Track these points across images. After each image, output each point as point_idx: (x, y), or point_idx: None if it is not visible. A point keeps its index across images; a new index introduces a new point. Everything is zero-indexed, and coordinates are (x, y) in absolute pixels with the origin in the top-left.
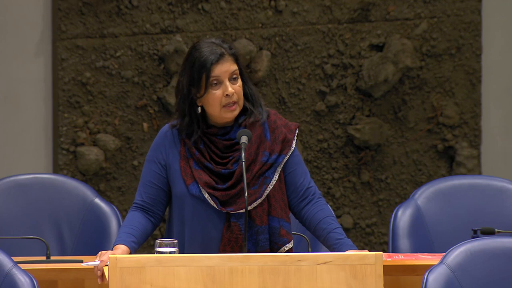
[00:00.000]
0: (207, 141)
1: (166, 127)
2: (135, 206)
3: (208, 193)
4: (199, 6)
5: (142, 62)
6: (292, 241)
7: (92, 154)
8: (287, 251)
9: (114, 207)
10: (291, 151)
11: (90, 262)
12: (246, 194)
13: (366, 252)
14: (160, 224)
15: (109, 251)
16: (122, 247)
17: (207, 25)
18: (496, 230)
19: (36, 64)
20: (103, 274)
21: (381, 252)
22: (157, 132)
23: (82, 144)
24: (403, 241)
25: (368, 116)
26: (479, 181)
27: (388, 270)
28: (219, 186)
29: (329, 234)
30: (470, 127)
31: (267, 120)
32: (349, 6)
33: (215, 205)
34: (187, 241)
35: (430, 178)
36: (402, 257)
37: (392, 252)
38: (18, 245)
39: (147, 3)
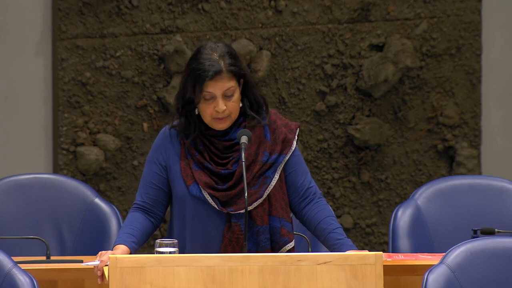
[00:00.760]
0: (207, 142)
1: (165, 128)
2: (136, 207)
3: (209, 194)
4: (199, 6)
5: (142, 62)
6: (293, 241)
7: (92, 154)
8: (288, 250)
9: (114, 207)
10: (291, 150)
11: (90, 262)
12: (246, 194)
13: (366, 252)
14: (160, 224)
15: (109, 251)
16: (122, 247)
17: (207, 25)
18: (496, 230)
19: (36, 64)
20: (103, 274)
21: (381, 252)
22: (157, 132)
23: (82, 144)
24: (403, 241)
25: (368, 116)
26: (479, 181)
27: (388, 270)
28: (219, 187)
29: (329, 234)
30: (470, 127)
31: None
32: (349, 6)
33: (215, 206)
34: (188, 242)
35: (430, 178)
36: (402, 257)
37: (392, 252)
38: (18, 245)
39: (147, 3)
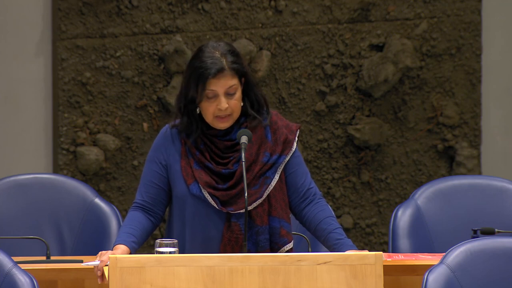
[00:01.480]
0: (208, 142)
1: (166, 127)
2: (135, 206)
3: (209, 193)
4: (199, 6)
5: (142, 62)
6: (292, 242)
7: (92, 154)
8: (287, 251)
9: (114, 207)
10: (292, 151)
11: (90, 262)
12: (246, 194)
13: (366, 252)
14: (160, 224)
15: (109, 251)
16: (122, 247)
17: (207, 25)
18: (496, 230)
19: (36, 64)
20: (103, 274)
21: (381, 252)
22: (157, 132)
23: (82, 144)
24: (403, 241)
25: (368, 116)
26: (479, 181)
27: (388, 270)
28: (220, 186)
29: (329, 234)
30: (470, 127)
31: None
32: (349, 6)
33: (215, 205)
34: (188, 241)
35: (430, 178)
36: (402, 257)
37: (392, 252)
38: (18, 245)
39: (147, 3)
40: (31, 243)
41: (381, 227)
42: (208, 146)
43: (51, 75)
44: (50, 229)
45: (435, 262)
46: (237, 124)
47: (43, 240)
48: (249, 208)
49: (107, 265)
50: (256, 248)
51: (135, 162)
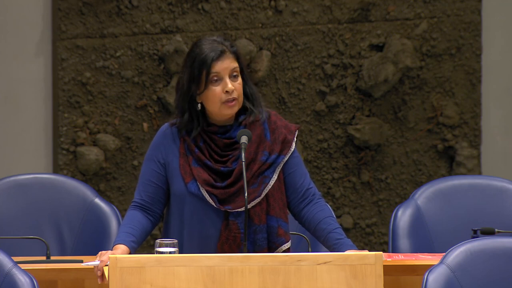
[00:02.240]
0: (207, 139)
1: (165, 125)
2: (134, 205)
3: (207, 191)
4: (199, 6)
5: (142, 62)
6: (289, 242)
7: (92, 154)
8: (284, 251)
9: (114, 207)
10: (290, 151)
11: (90, 262)
12: (246, 194)
13: (366, 252)
14: (159, 223)
15: (109, 251)
16: (122, 247)
17: (207, 25)
18: (496, 230)
19: (36, 64)
20: (103, 274)
21: (381, 252)
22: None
23: (82, 144)
24: (403, 241)
25: (368, 116)
26: (479, 181)
27: (388, 270)
28: (218, 184)
29: (329, 234)
30: (470, 127)
31: (267, 120)
32: (349, 6)
33: (213, 203)
34: (186, 239)
35: (430, 178)
36: (402, 257)
37: (392, 252)
38: (18, 245)
39: (147, 3)
40: (31, 243)
41: (381, 227)
42: (208, 143)
43: (51, 75)
44: (50, 229)
45: (435, 262)
46: (237, 122)
47: (43, 240)
48: (248, 206)
49: (107, 265)
50: (253, 247)
51: (135, 162)
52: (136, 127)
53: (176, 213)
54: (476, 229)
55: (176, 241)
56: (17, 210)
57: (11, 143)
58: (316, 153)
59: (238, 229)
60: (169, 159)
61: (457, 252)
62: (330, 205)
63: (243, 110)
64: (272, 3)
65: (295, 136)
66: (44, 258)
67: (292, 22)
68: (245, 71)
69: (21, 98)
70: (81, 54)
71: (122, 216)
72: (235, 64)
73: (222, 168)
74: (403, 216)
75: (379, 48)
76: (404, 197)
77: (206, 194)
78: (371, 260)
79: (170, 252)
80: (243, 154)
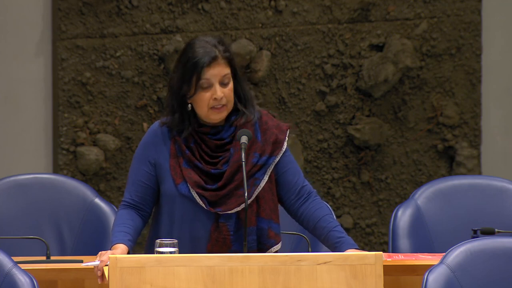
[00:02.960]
0: (198, 139)
1: (155, 124)
2: (124, 204)
3: (197, 193)
4: (199, 6)
5: (142, 62)
6: (280, 243)
7: (92, 154)
8: (275, 252)
9: (114, 207)
10: (282, 151)
11: (90, 262)
12: (246, 194)
13: (366, 252)
14: (148, 221)
15: (109, 251)
16: (121, 246)
17: (207, 25)
18: (496, 230)
19: (36, 64)
20: (103, 274)
21: (381, 252)
22: None
23: (82, 144)
24: (403, 241)
25: (368, 116)
26: (479, 181)
27: (388, 270)
28: (209, 186)
29: (329, 232)
30: (470, 127)
31: (258, 120)
32: (349, 6)
33: (203, 205)
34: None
35: (430, 178)
36: (402, 257)
37: (392, 252)
38: (18, 245)
39: (147, 3)
40: (31, 243)
41: (381, 227)
42: (199, 144)
43: (51, 75)
44: (50, 229)
45: (435, 262)
46: (228, 123)
47: (43, 240)
48: (238, 209)
49: (107, 265)
50: (243, 248)
51: None
52: (136, 127)
53: (167, 213)
54: (476, 229)
55: (176, 241)
56: (17, 210)
57: (11, 143)
58: (316, 153)
59: (228, 231)
60: (160, 159)
61: (457, 252)
62: (330, 205)
63: (234, 111)
64: (272, 3)
65: (287, 135)
66: (44, 258)
67: (292, 22)
68: (239, 73)
69: (21, 98)
70: (81, 54)
71: None
72: (227, 71)
73: (212, 170)
74: (403, 216)
75: (379, 48)
76: (404, 197)
77: (197, 196)
78: (371, 260)
79: (170, 252)
80: (243, 154)
